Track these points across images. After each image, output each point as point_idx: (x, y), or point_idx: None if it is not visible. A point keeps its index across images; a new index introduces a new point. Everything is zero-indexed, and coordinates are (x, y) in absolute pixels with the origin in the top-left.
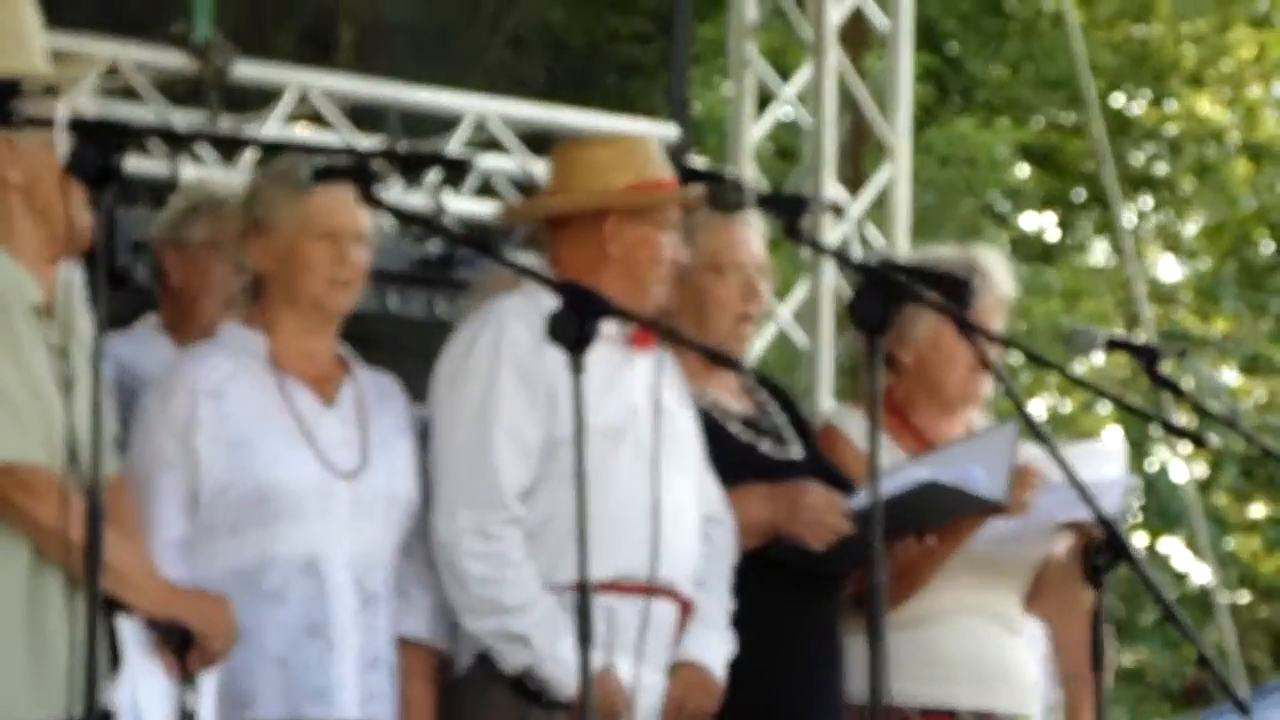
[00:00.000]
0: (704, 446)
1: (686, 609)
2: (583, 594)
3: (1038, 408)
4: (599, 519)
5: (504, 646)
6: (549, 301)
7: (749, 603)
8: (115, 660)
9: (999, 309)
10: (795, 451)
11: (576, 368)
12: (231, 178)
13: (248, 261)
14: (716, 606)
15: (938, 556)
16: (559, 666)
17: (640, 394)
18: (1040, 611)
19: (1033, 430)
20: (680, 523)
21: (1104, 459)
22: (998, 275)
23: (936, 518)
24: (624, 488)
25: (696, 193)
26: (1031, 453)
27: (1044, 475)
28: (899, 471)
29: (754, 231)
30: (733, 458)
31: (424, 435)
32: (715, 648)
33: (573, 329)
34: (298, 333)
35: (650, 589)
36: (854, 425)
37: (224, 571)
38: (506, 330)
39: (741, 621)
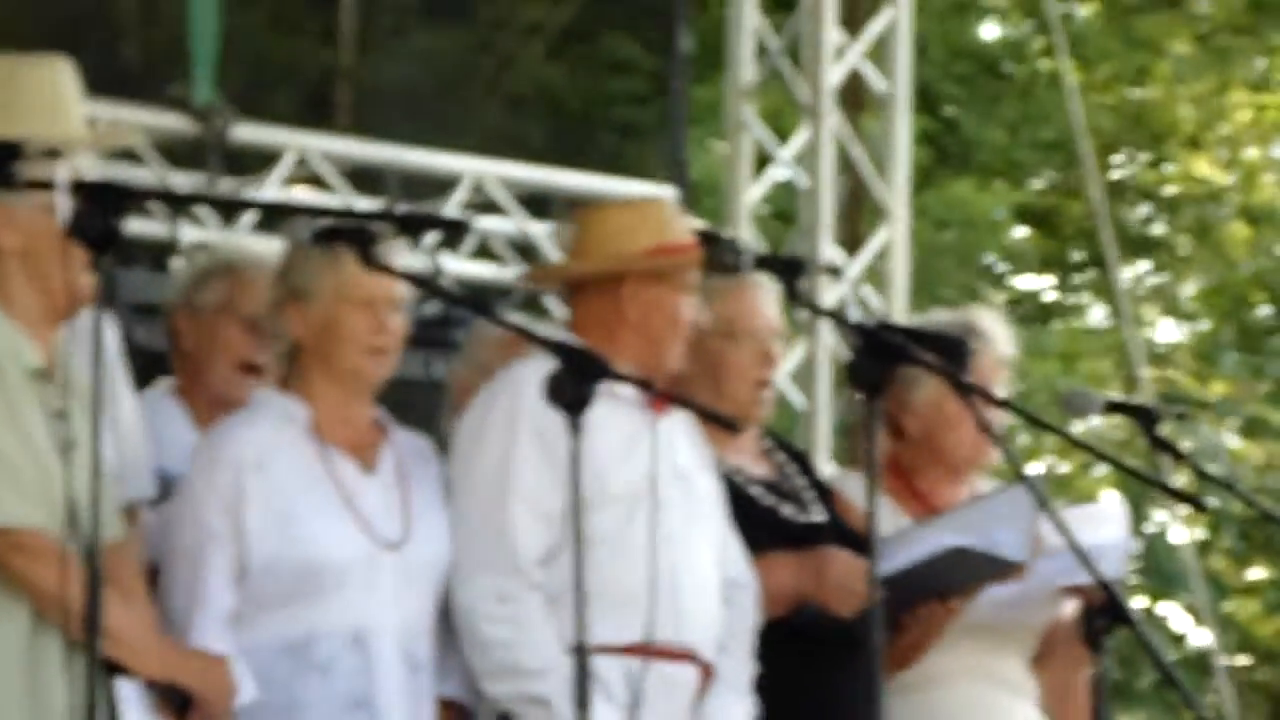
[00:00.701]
0: (727, 510)
1: (708, 673)
2: (580, 656)
3: (1036, 470)
4: (617, 583)
5: (524, 710)
6: None
7: (783, 670)
8: None
9: (999, 370)
10: (817, 514)
11: (574, 428)
12: (233, 240)
13: (285, 330)
14: (737, 670)
15: (940, 622)
16: None
17: (660, 458)
18: (1046, 675)
19: (1032, 493)
20: (701, 587)
21: (1104, 521)
22: (997, 335)
23: (960, 581)
24: (644, 551)
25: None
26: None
27: (1043, 540)
28: (922, 535)
29: (768, 296)
30: (756, 523)
31: None
32: (735, 711)
33: (570, 390)
34: (337, 402)
35: (673, 653)
36: (855, 488)
37: (272, 643)
38: (523, 395)
39: (775, 690)
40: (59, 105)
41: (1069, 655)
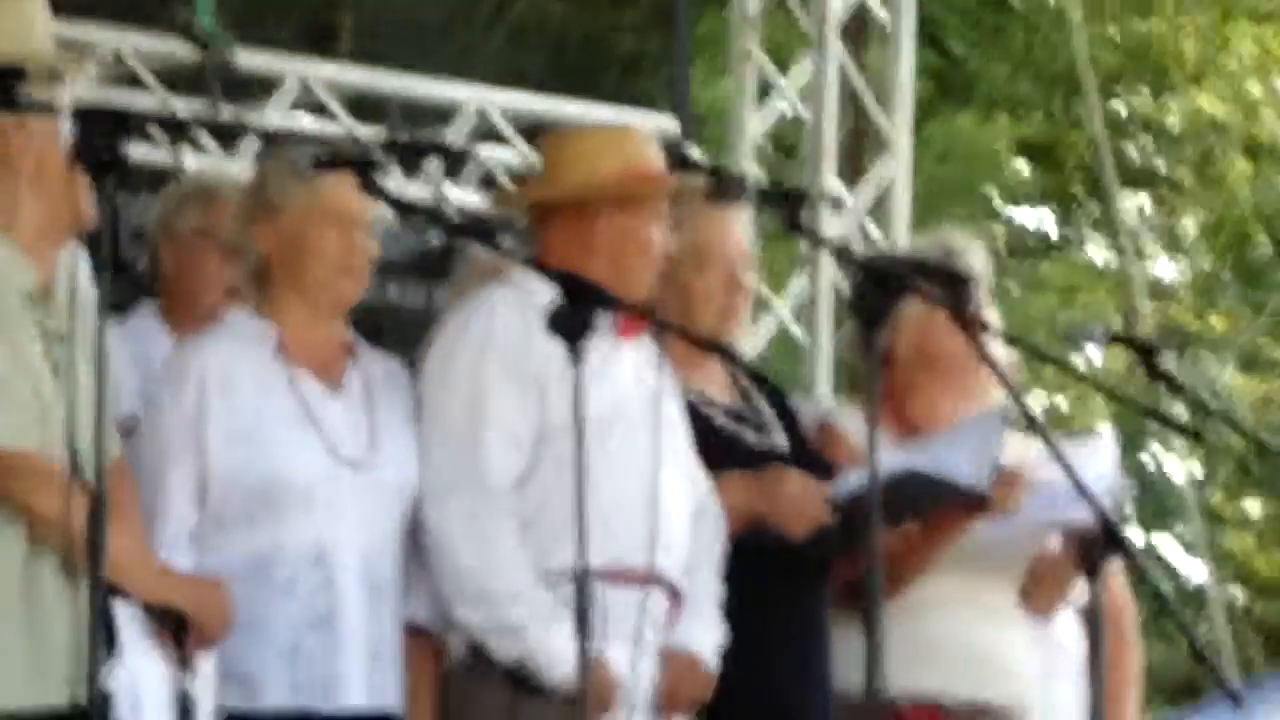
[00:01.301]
0: (690, 436)
1: (677, 598)
2: (581, 584)
3: (1035, 402)
4: (592, 507)
5: (496, 637)
6: (539, 292)
7: (733, 591)
8: (112, 645)
9: (981, 290)
10: (779, 441)
11: (577, 359)
12: (232, 167)
13: (253, 245)
14: (707, 595)
15: (922, 555)
16: (552, 657)
17: (629, 383)
18: (1030, 605)
19: (1030, 424)
20: (672, 512)
21: (1093, 454)
22: (973, 256)
23: (917, 508)
24: (616, 476)
25: (686, 183)
26: (1021, 449)
27: (1031, 476)
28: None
29: (738, 223)
30: (717, 447)
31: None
32: (706, 636)
33: (572, 321)
34: (305, 321)
35: (646, 577)
36: (850, 421)
37: (234, 562)
38: (496, 318)
39: (727, 610)
40: (25, 23)
41: (1054, 585)
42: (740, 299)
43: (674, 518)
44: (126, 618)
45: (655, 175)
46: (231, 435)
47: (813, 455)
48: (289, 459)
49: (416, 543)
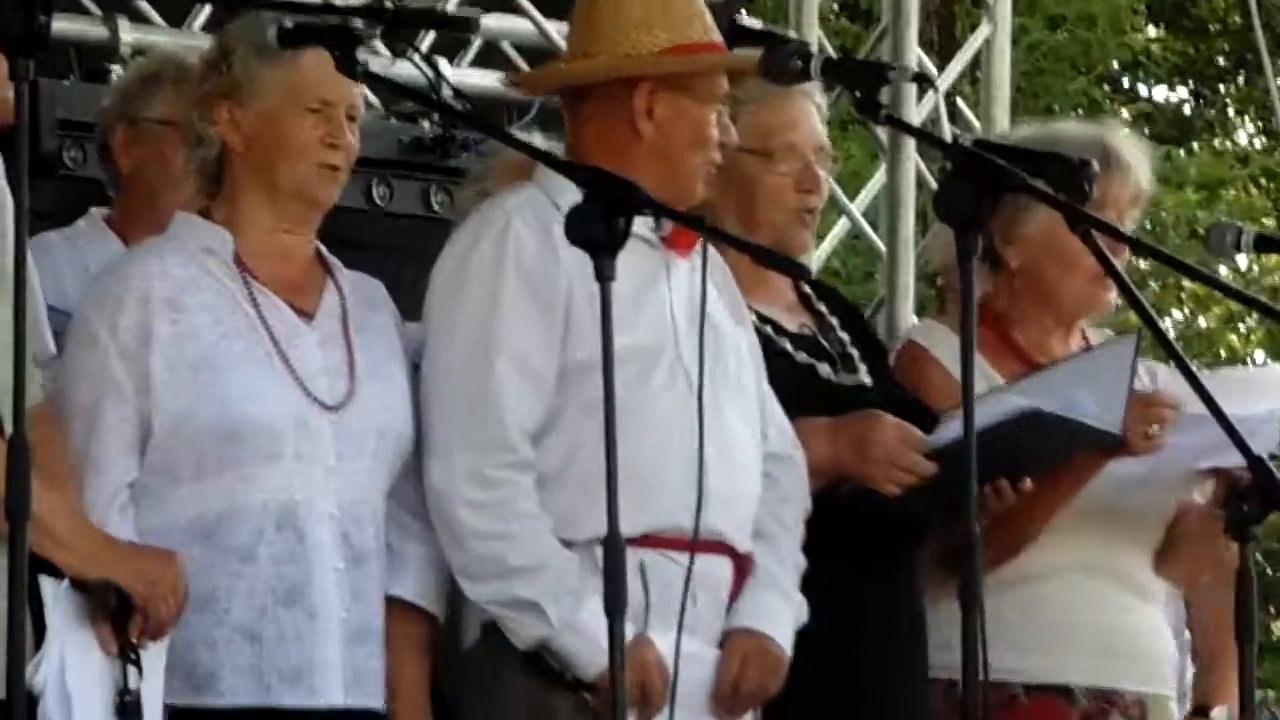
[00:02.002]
0: (764, 370)
1: (743, 566)
2: (612, 549)
3: (1167, 324)
4: (628, 459)
5: (513, 616)
6: (568, 195)
7: (811, 560)
8: (38, 631)
9: (1134, 204)
10: (863, 376)
11: (603, 274)
12: (181, 41)
13: (211, 134)
14: (781, 563)
15: (1045, 507)
16: (581, 639)
17: (680, 307)
18: (1172, 573)
19: (1167, 351)
20: (732, 462)
21: (1258, 390)
22: (1134, 161)
23: (1037, 457)
24: (660, 421)
25: (749, 58)
26: (1166, 380)
27: (1179, 407)
28: (991, 399)
29: (812, 108)
30: (787, 383)
31: (419, 357)
32: (779, 613)
33: (599, 227)
34: (271, 228)
35: (695, 543)
36: (943, 343)
37: (181, 523)
38: (511, 232)
39: (805, 583)
40: None
41: (1208, 550)
42: (815, 199)
43: (735, 469)
44: (54, 596)
45: (712, 48)
46: (179, 368)
47: (902, 393)
48: (250, 398)
49: (401, 499)
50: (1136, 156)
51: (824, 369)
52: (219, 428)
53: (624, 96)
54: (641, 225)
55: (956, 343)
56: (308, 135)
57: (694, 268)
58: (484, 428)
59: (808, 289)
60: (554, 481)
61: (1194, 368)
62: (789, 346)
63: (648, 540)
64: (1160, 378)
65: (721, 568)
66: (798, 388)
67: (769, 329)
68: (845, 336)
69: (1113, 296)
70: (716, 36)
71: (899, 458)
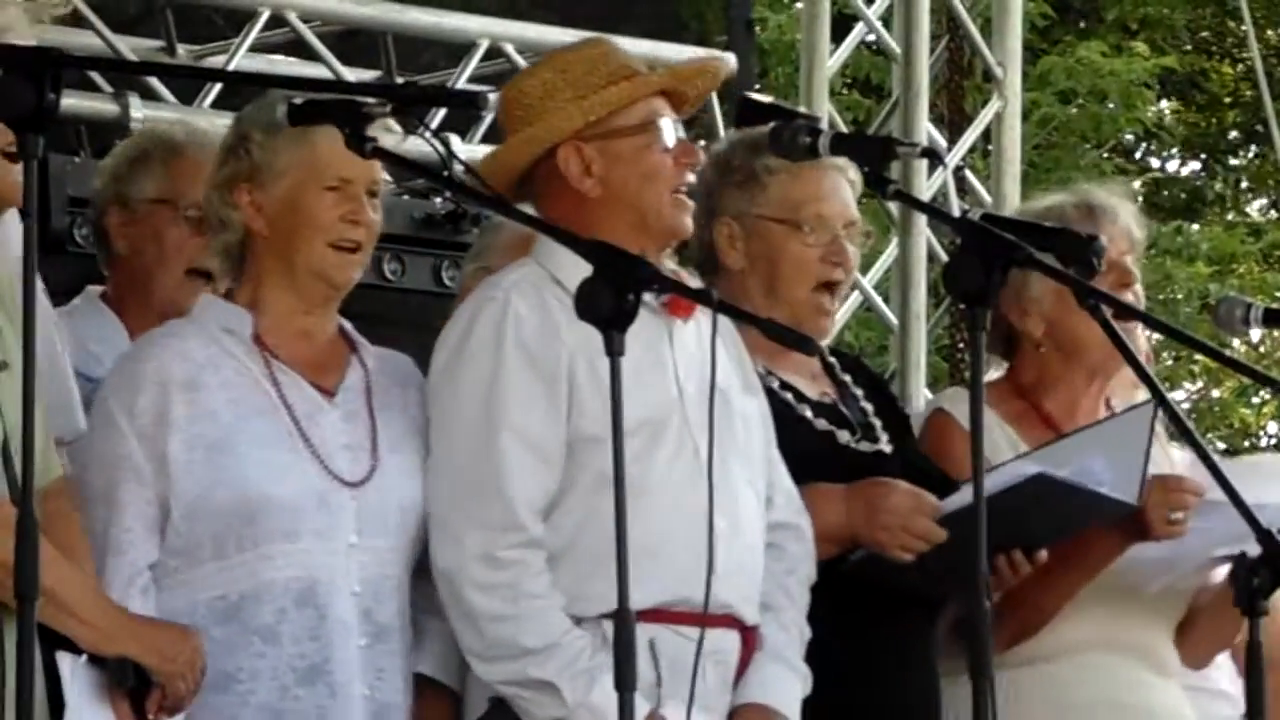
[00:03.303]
0: (774, 436)
1: (749, 638)
2: (622, 625)
3: (1180, 397)
4: (636, 532)
5: (527, 696)
6: (568, 269)
7: (824, 628)
8: (56, 707)
9: (1130, 251)
10: (883, 444)
11: (613, 349)
12: (192, 119)
13: (233, 218)
14: (787, 635)
15: (1065, 586)
16: (595, 717)
17: (685, 373)
18: (1189, 651)
19: (1176, 425)
20: (740, 533)
21: (1271, 477)
22: (1122, 212)
23: (1051, 526)
24: (668, 492)
25: (644, 83)
26: (1184, 462)
27: (1203, 494)
28: (1005, 466)
29: (845, 182)
30: (806, 449)
31: None
32: (787, 686)
33: (609, 302)
34: (292, 309)
35: (705, 616)
36: (968, 410)
37: (202, 603)
38: (510, 309)
39: (812, 654)
40: None
41: (1216, 629)
42: (840, 272)
43: (742, 540)
44: (73, 672)
45: (616, 84)
46: (197, 449)
47: (923, 462)
48: (269, 477)
49: (422, 575)
50: (1123, 209)
51: (843, 436)
52: (238, 507)
53: (556, 170)
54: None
55: (988, 415)
56: (328, 213)
57: (698, 328)
58: (491, 507)
59: (833, 359)
60: (563, 557)
61: (1203, 440)
62: (809, 413)
63: (658, 614)
64: (1178, 461)
65: (730, 641)
66: (816, 454)
67: (789, 396)
68: (868, 406)
69: (1143, 342)
70: (630, 70)
71: (911, 524)
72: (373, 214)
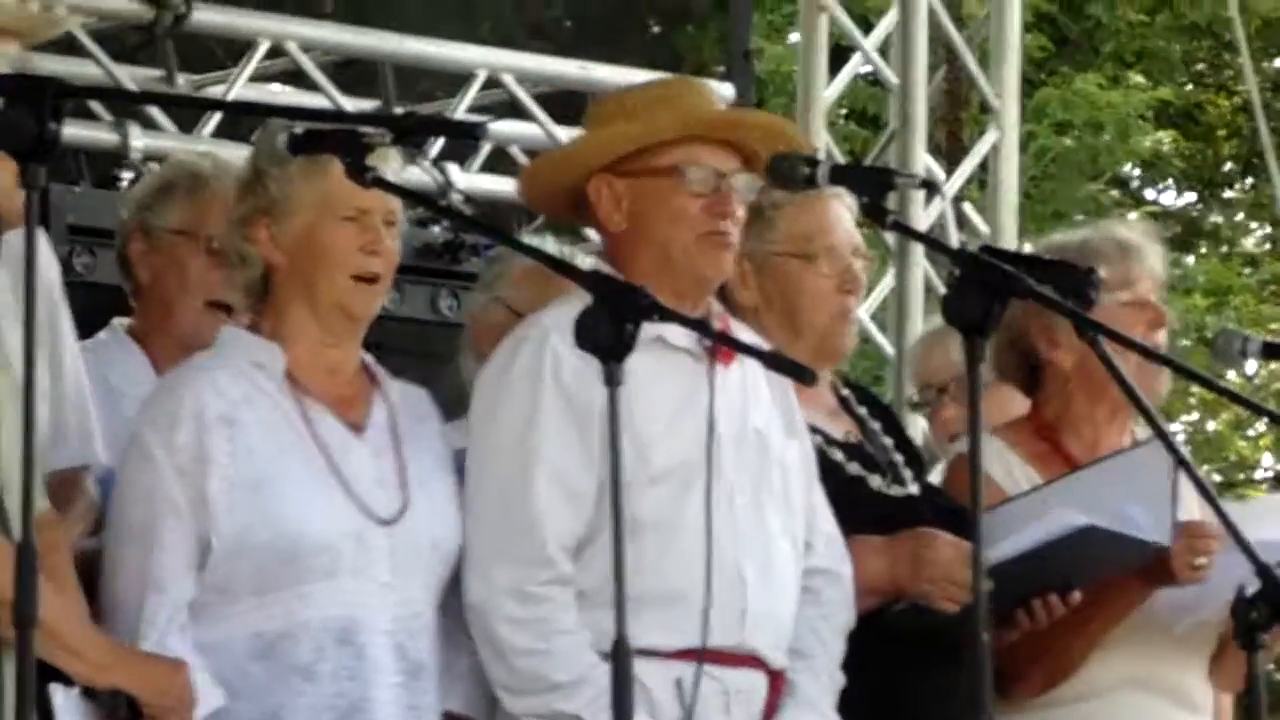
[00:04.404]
0: (816, 481)
1: (777, 682)
2: (619, 657)
3: (1177, 429)
4: (666, 577)
5: None
6: None
7: (867, 678)
8: None
9: (1155, 293)
10: (911, 486)
11: (611, 379)
12: (192, 147)
13: (253, 253)
14: (818, 682)
15: (1093, 630)
16: None
17: (725, 420)
18: (1221, 682)
19: (1176, 459)
20: (771, 579)
21: (1275, 516)
22: (1150, 252)
23: (1085, 568)
24: (699, 537)
25: (671, 122)
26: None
27: (1222, 534)
28: (1036, 509)
29: (844, 209)
30: (837, 496)
31: (459, 461)
32: None
33: (607, 332)
34: (318, 343)
35: (735, 659)
36: (991, 454)
37: (239, 640)
38: (549, 348)
39: (863, 703)
40: None
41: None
42: (855, 299)
43: (773, 584)
44: (65, 704)
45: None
46: (237, 487)
47: (945, 500)
48: (308, 516)
49: (449, 611)
50: (1152, 248)
51: (875, 481)
52: (277, 546)
53: (588, 206)
54: (685, 338)
55: (1008, 456)
56: (346, 245)
57: (743, 372)
58: (524, 543)
59: (847, 392)
60: (593, 598)
61: (1204, 477)
62: (840, 456)
63: (686, 655)
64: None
65: (757, 682)
66: (848, 501)
67: (820, 439)
68: (888, 441)
69: (1165, 376)
70: (688, 114)
71: (956, 575)
72: (390, 243)
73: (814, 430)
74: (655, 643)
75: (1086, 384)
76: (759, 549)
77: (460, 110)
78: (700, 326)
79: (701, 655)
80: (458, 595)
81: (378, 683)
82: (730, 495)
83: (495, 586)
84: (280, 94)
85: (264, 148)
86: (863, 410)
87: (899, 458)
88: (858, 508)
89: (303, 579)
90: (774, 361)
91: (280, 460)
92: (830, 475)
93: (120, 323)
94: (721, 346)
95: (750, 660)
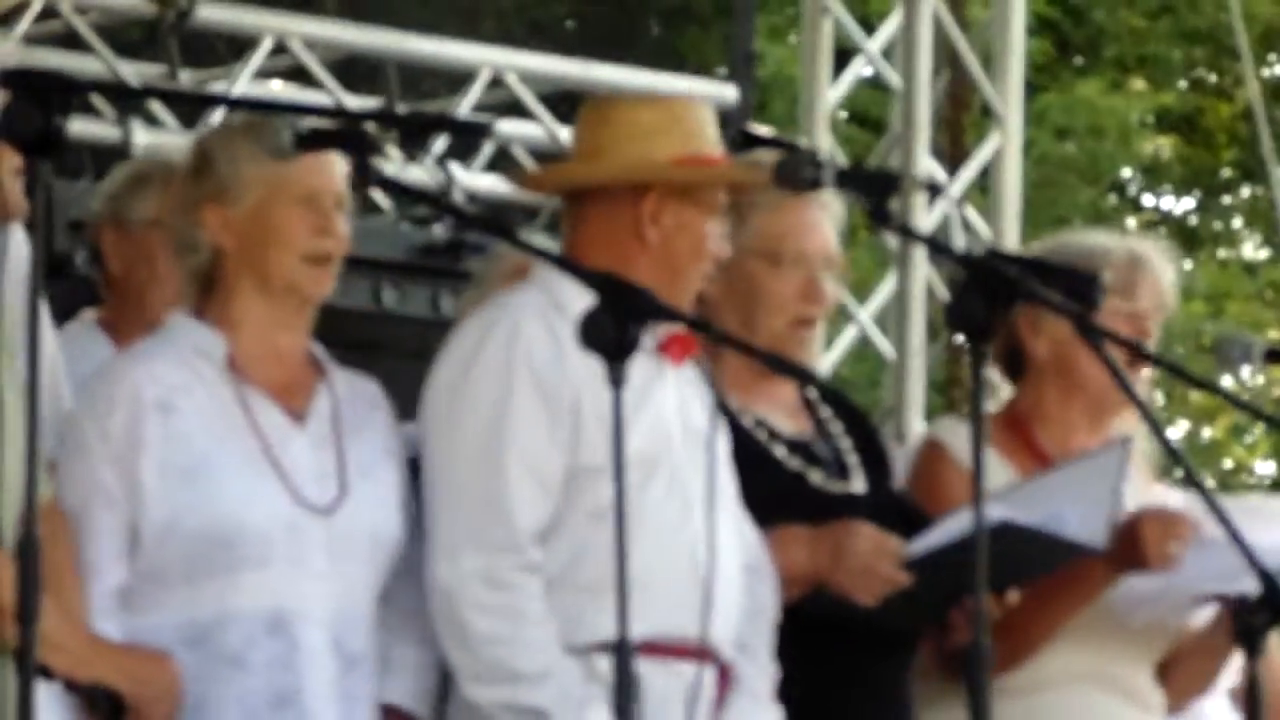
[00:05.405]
0: (737, 478)
1: (725, 676)
2: (622, 657)
3: (1176, 434)
4: (633, 566)
5: None
6: (571, 298)
7: (790, 670)
8: None
9: (1161, 312)
10: (856, 484)
11: (616, 380)
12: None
13: (201, 239)
14: (760, 674)
15: (1051, 618)
16: None
17: (673, 415)
18: (1174, 692)
19: (1175, 461)
20: (724, 572)
21: (1271, 519)
22: (1163, 270)
23: (1018, 568)
24: (661, 528)
25: (757, 171)
26: (1180, 500)
27: (1198, 529)
28: (966, 511)
29: (826, 216)
30: (775, 490)
31: (414, 458)
32: None
33: (613, 332)
34: (265, 326)
35: (699, 651)
36: (963, 443)
37: (171, 628)
38: (522, 332)
39: (786, 692)
40: None
41: (1196, 674)
42: (816, 309)
43: (729, 580)
44: (46, 698)
45: (719, 161)
46: (171, 473)
47: (897, 502)
48: (241, 503)
49: (390, 602)
50: (1164, 267)
51: (814, 476)
52: (209, 533)
53: (631, 202)
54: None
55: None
56: (298, 226)
57: (680, 376)
58: (493, 528)
59: (813, 394)
60: (556, 586)
61: (1201, 478)
62: (781, 452)
63: (647, 648)
64: (1173, 500)
65: (711, 676)
66: (785, 495)
67: (763, 434)
68: (846, 444)
69: (1142, 387)
70: (719, 150)
71: (875, 567)
72: (342, 226)
73: (761, 426)
74: (612, 635)
75: (1058, 378)
76: (714, 540)
77: (464, 108)
78: (703, 327)
79: (659, 648)
80: (401, 584)
81: (312, 674)
82: (686, 489)
83: (463, 571)
84: (282, 91)
85: (215, 135)
86: (826, 412)
87: (853, 459)
88: (792, 501)
89: (235, 567)
90: (774, 362)
91: (215, 447)
92: (767, 469)
93: (90, 314)
94: (672, 342)
95: (706, 654)
